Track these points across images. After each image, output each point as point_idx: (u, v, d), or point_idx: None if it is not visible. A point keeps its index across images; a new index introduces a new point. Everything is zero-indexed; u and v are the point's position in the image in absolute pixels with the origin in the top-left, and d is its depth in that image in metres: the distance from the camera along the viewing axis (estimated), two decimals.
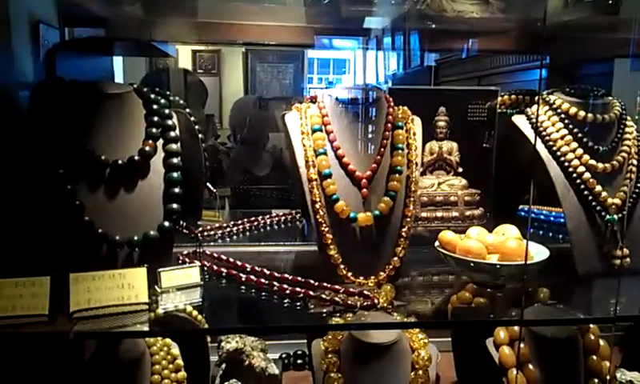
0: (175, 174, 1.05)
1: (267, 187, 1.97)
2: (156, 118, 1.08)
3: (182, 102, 1.32)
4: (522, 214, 1.45)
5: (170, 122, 1.10)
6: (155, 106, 1.10)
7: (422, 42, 1.49)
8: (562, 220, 1.37)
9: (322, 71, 2.53)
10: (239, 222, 1.54)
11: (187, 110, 1.36)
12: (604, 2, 1.31)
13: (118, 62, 1.78)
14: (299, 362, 1.55)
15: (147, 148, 1.05)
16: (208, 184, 1.53)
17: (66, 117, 1.04)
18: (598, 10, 1.32)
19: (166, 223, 1.03)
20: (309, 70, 2.42)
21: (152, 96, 1.11)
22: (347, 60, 2.52)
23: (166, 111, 1.11)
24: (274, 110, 2.08)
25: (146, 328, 0.91)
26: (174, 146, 1.07)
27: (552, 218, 1.53)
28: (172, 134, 1.09)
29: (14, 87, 1.09)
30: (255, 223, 1.56)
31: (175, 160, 1.06)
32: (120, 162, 1.03)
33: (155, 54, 1.91)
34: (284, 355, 1.55)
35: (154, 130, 1.07)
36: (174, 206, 1.04)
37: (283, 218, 1.61)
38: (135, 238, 1.00)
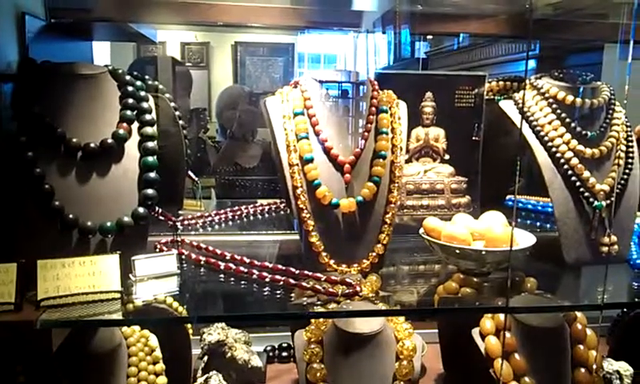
0: (151, 159, 1.01)
1: (256, 178, 1.94)
2: (131, 101, 1.04)
3: (161, 86, 1.28)
4: (510, 203, 1.43)
5: (145, 105, 1.06)
6: (130, 88, 1.06)
7: (411, 26, 1.45)
8: (549, 209, 1.36)
9: (312, 66, 2.49)
10: (222, 211, 1.50)
11: (167, 95, 1.33)
12: None
13: (105, 50, 1.74)
14: (284, 354, 1.52)
15: (121, 131, 1.01)
16: (190, 173, 1.49)
17: (37, 98, 0.99)
18: None
19: (141, 209, 0.99)
20: (299, 64, 2.38)
21: (127, 78, 1.07)
22: (337, 55, 2.48)
23: (142, 94, 1.07)
24: None
25: (117, 316, 0.87)
26: (149, 130, 1.04)
27: (540, 208, 1.51)
28: (148, 117, 1.05)
29: None
30: (238, 212, 1.52)
31: (151, 144, 1.02)
32: (92, 145, 0.98)
33: (141, 40, 1.87)
34: (269, 348, 1.53)
35: (128, 112, 1.03)
36: (150, 191, 1.00)
37: (268, 207, 1.57)
38: (108, 224, 0.96)
